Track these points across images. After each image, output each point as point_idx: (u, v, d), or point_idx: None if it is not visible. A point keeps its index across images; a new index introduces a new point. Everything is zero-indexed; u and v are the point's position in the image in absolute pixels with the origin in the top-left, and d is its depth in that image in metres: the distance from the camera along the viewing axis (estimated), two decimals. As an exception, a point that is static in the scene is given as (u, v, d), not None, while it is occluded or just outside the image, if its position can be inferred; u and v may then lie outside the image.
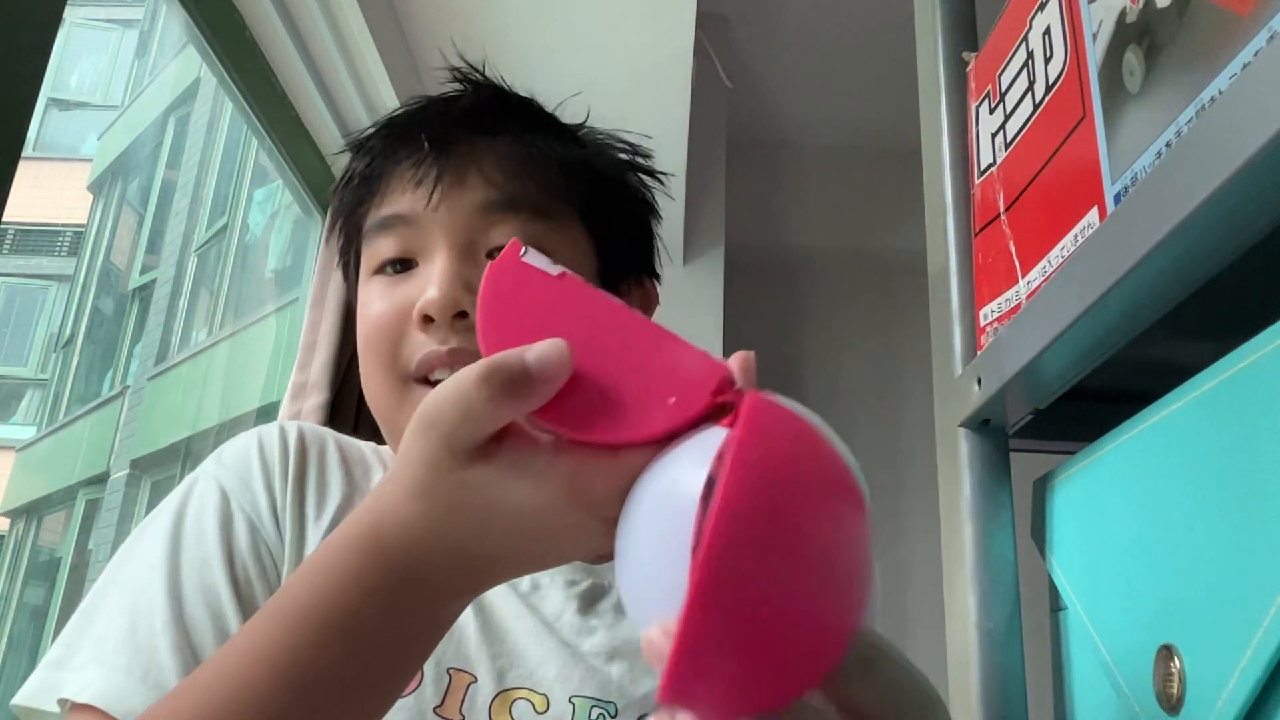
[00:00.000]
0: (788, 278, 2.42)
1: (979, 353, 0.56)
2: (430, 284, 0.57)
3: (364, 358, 0.62)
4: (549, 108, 0.71)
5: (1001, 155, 0.56)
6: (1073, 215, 0.46)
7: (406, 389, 0.59)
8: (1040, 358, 0.47)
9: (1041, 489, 0.53)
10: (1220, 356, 0.37)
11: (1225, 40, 0.35)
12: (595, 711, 0.54)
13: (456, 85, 0.67)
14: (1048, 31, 0.51)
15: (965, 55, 0.64)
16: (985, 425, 0.57)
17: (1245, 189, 0.32)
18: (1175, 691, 0.37)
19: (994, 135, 0.58)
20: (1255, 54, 0.33)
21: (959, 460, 0.57)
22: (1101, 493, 0.47)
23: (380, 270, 0.61)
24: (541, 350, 0.34)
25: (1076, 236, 0.46)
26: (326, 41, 1.33)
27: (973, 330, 0.60)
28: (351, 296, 0.68)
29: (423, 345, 0.58)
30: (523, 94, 0.69)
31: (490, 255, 0.59)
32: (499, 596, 0.58)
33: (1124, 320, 0.43)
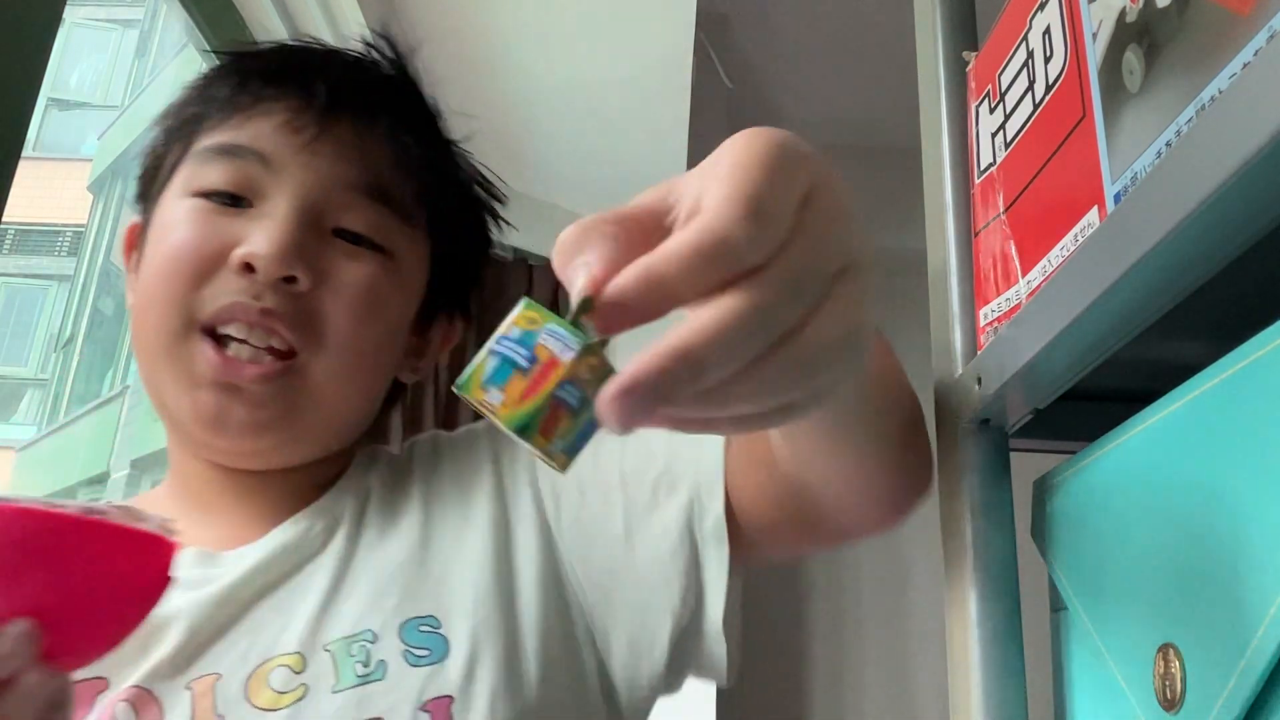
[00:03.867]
0: (788, 277, 2.42)
1: (979, 352, 0.56)
2: (263, 233, 0.51)
3: (149, 284, 0.54)
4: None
5: (1001, 155, 0.56)
6: (1073, 215, 0.46)
7: (187, 337, 0.52)
8: (1040, 357, 0.47)
9: (1041, 489, 0.53)
10: (1220, 356, 0.37)
11: (1225, 40, 0.35)
12: (355, 646, 0.51)
13: (368, 50, 0.63)
14: (1048, 31, 0.51)
15: (965, 55, 0.64)
16: (985, 425, 0.57)
17: (1245, 188, 0.32)
18: (1175, 691, 0.37)
19: (994, 135, 0.58)
20: (1255, 53, 0.33)
21: (959, 460, 0.57)
22: (1101, 492, 0.47)
23: (203, 195, 0.54)
24: None
25: (1076, 236, 0.46)
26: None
27: (972, 330, 0.60)
28: (142, 215, 0.60)
29: (232, 293, 0.51)
30: (428, 94, 0.65)
31: (337, 233, 0.55)
32: (213, 598, 0.53)
33: (1124, 320, 0.43)
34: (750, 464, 0.54)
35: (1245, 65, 0.34)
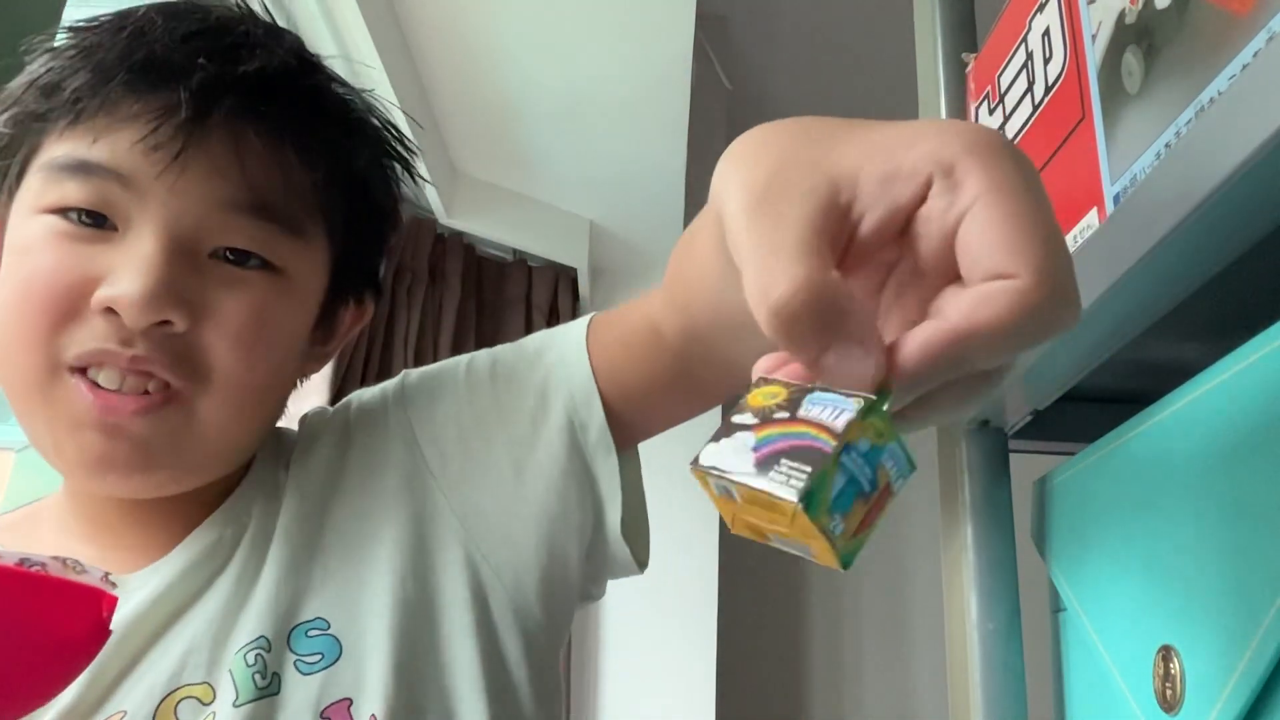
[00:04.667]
0: (787, 278, 2.42)
1: (978, 353, 0.56)
2: (130, 275, 0.46)
3: (6, 320, 0.49)
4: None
5: (1001, 156, 0.56)
6: (1072, 216, 0.46)
7: (57, 378, 0.48)
8: (1040, 359, 0.47)
9: (1041, 490, 0.53)
10: (1219, 357, 0.37)
11: (1224, 41, 0.35)
12: (251, 655, 0.48)
13: (236, 13, 0.53)
14: (1047, 33, 0.51)
15: (965, 56, 0.64)
16: (985, 426, 0.57)
17: (1244, 190, 0.32)
18: (1174, 692, 0.37)
19: (993, 136, 0.58)
20: (1254, 55, 0.33)
21: (959, 461, 0.57)
22: (1101, 494, 0.47)
23: (59, 211, 0.48)
24: None
25: (1076, 237, 0.46)
26: (326, 42, 1.34)
27: (972, 331, 0.60)
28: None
29: (97, 338, 0.46)
30: (317, 60, 0.55)
31: (215, 256, 0.49)
32: (119, 618, 0.48)
33: (1123, 321, 0.43)
34: (625, 348, 0.53)
35: (1244, 67, 0.34)
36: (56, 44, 0.52)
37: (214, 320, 0.48)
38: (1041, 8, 0.52)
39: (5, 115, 0.52)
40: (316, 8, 1.29)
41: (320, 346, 0.59)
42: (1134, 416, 0.44)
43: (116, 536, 0.55)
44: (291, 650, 0.49)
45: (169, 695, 0.49)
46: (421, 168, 0.62)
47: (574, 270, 2.01)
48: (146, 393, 0.48)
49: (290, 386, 0.58)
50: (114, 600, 0.37)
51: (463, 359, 0.58)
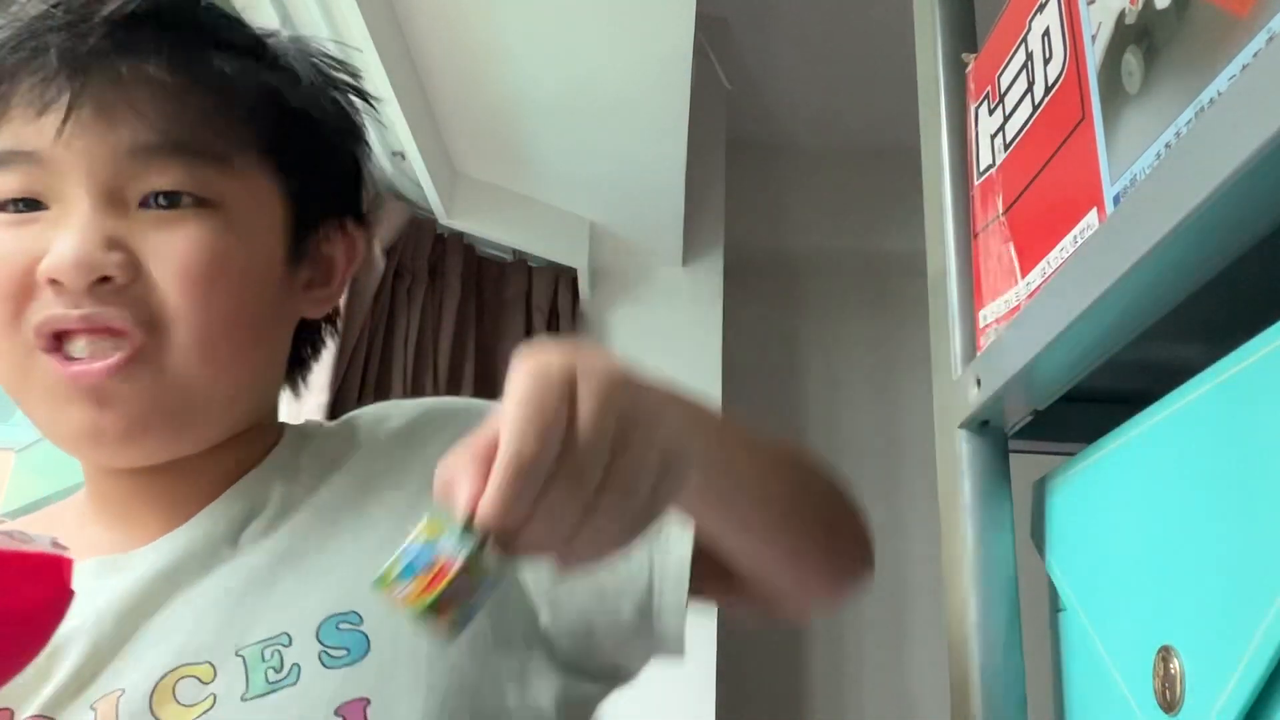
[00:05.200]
0: (788, 278, 2.42)
1: (978, 354, 0.56)
2: (61, 242, 0.47)
3: None
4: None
5: (1001, 156, 0.56)
6: (1072, 216, 0.46)
7: (31, 359, 0.48)
8: (1039, 359, 0.47)
9: (1041, 490, 0.53)
10: (1220, 358, 0.37)
11: (1224, 41, 0.35)
12: (268, 651, 0.48)
13: None
14: (1047, 33, 0.51)
15: (964, 56, 0.64)
16: (984, 426, 0.57)
17: (1244, 190, 0.32)
18: (1174, 693, 0.37)
19: (993, 136, 0.58)
20: (1254, 55, 0.33)
21: (958, 461, 0.57)
22: (1101, 494, 0.47)
23: None
24: None
25: (1076, 238, 0.46)
26: (326, 44, 1.34)
27: (972, 331, 0.60)
28: None
29: (52, 319, 0.47)
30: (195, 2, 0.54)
31: (145, 204, 0.49)
32: (116, 598, 0.50)
33: (1123, 322, 0.43)
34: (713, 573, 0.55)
35: (1244, 67, 0.34)
36: None
37: (156, 265, 0.48)
38: (1041, 8, 0.52)
39: None
40: (316, 7, 1.29)
41: (319, 288, 0.58)
42: (1134, 417, 0.44)
43: (129, 515, 0.55)
44: (319, 640, 0.49)
45: (169, 674, 0.48)
46: (371, 88, 0.61)
47: (574, 270, 2.01)
48: (108, 354, 0.48)
49: (278, 327, 0.56)
50: (70, 562, 0.37)
51: None
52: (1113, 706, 0.43)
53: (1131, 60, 0.42)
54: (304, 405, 1.48)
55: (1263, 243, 0.35)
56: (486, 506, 0.35)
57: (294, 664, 0.48)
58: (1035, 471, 0.54)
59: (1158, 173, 0.37)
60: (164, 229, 0.49)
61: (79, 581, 0.44)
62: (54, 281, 0.47)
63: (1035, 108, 0.52)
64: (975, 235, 0.60)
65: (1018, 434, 0.57)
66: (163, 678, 0.48)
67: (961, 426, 0.57)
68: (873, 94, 2.12)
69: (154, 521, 0.54)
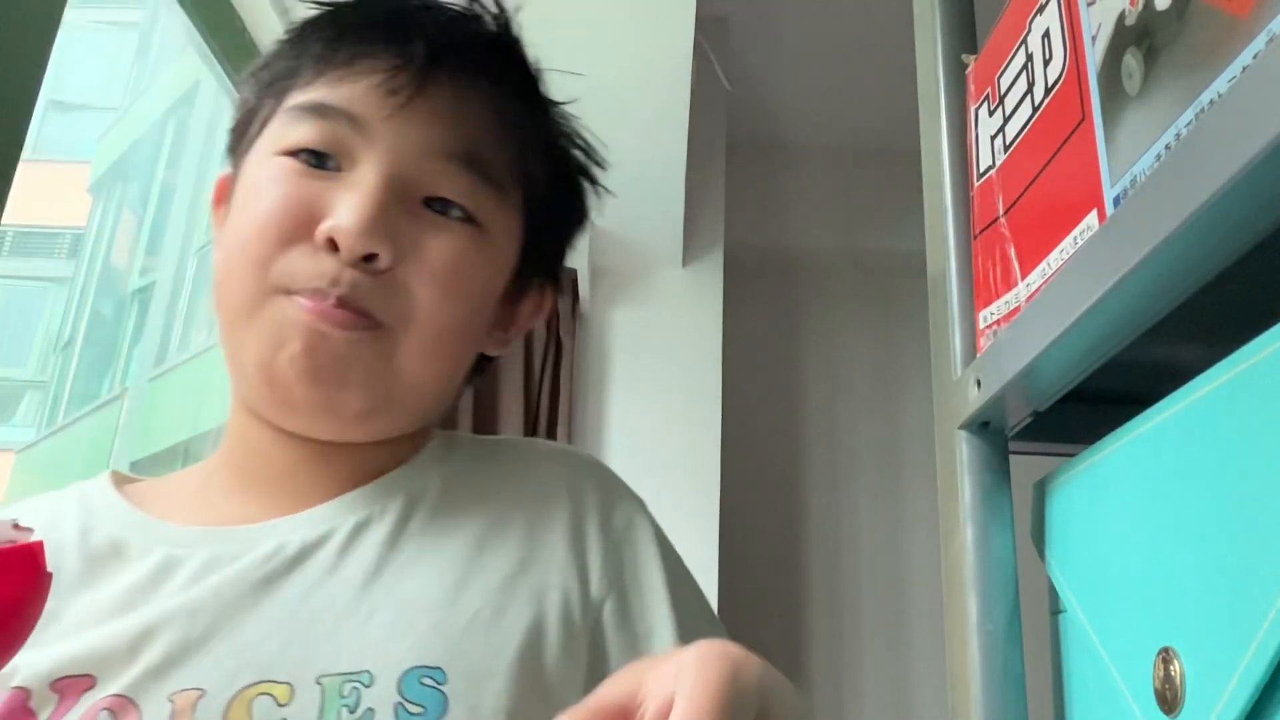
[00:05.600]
0: (788, 278, 2.42)
1: (978, 355, 0.56)
2: (348, 207, 0.49)
3: (234, 247, 0.52)
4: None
5: (1001, 158, 0.56)
6: (1072, 218, 0.46)
7: (265, 299, 0.50)
8: (1040, 360, 0.47)
9: (1041, 491, 0.53)
10: (1220, 359, 0.37)
11: (1224, 43, 0.35)
12: (347, 687, 0.48)
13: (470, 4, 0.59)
14: (1047, 34, 0.51)
15: (964, 57, 0.64)
16: (984, 427, 0.57)
17: (1245, 191, 0.32)
18: (1175, 694, 0.37)
19: (993, 137, 0.58)
20: (1254, 56, 0.33)
21: (958, 462, 0.57)
22: (1101, 495, 0.47)
23: (291, 154, 0.52)
24: None
25: (1076, 239, 0.46)
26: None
27: (972, 332, 0.60)
28: (232, 169, 0.59)
29: (313, 276, 0.50)
30: (530, 53, 0.60)
31: (426, 204, 0.52)
32: (224, 580, 0.51)
33: (1123, 323, 0.43)
34: None
35: (1244, 68, 0.34)
36: (309, 16, 0.57)
37: (417, 261, 0.51)
38: (1041, 9, 0.52)
39: (254, 79, 0.57)
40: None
41: (502, 331, 0.61)
42: (1134, 418, 0.44)
43: (258, 489, 0.56)
44: (399, 692, 0.48)
45: (250, 687, 0.47)
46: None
47: (574, 270, 2.01)
48: (356, 315, 0.50)
49: (473, 352, 0.59)
50: (39, 545, 0.37)
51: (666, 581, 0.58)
52: (1113, 707, 0.43)
53: (1131, 61, 0.42)
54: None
55: (1263, 243, 0.35)
56: None
57: (369, 708, 0.47)
58: (1035, 472, 0.54)
59: (1158, 174, 0.37)
60: (433, 231, 0.52)
61: (186, 548, 0.46)
62: (330, 242, 0.49)
63: (1035, 109, 0.52)
64: (975, 236, 0.60)
65: (1018, 435, 0.57)
66: (243, 689, 0.47)
67: (962, 427, 0.57)
68: (873, 94, 2.12)
69: (281, 499, 0.55)
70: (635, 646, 0.54)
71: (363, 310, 0.50)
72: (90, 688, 0.47)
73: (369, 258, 0.50)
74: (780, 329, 2.39)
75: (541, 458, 0.61)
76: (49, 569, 0.37)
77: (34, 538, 0.37)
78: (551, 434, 1.96)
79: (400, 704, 0.47)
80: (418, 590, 0.51)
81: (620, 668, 0.52)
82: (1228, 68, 0.35)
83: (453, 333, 0.54)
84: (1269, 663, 0.32)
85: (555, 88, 0.64)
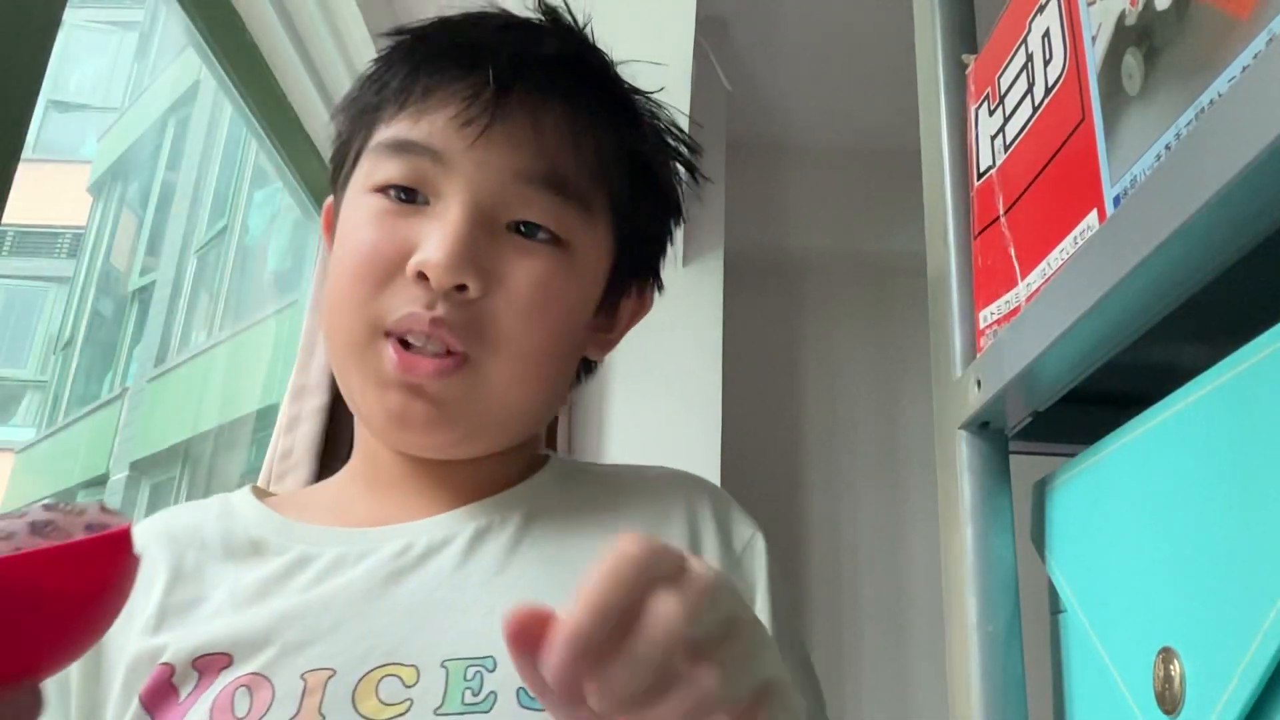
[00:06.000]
0: (788, 279, 2.42)
1: (978, 355, 0.56)
2: (435, 241, 0.52)
3: (338, 286, 0.55)
4: None
5: (1001, 157, 0.56)
6: (1072, 218, 0.46)
7: (374, 340, 0.53)
8: (1040, 360, 0.47)
9: (1041, 491, 0.53)
10: (1220, 359, 0.37)
11: (1224, 43, 0.35)
12: (470, 670, 0.49)
13: (539, 15, 0.60)
14: (1047, 34, 0.51)
15: (964, 57, 0.64)
16: (985, 428, 0.57)
17: (1245, 192, 0.32)
18: (1175, 694, 0.37)
19: (993, 137, 0.58)
20: (1255, 57, 0.33)
21: (958, 463, 0.57)
22: (1101, 495, 0.47)
23: (381, 190, 0.55)
24: None
25: (1076, 239, 0.46)
26: (326, 43, 1.34)
27: (972, 332, 0.60)
28: (334, 198, 0.62)
29: (408, 302, 0.52)
30: (605, 52, 0.61)
31: (511, 228, 0.54)
32: (354, 574, 0.53)
33: (1124, 323, 0.43)
34: None
35: (1244, 69, 0.34)
36: (383, 49, 0.60)
37: (504, 288, 0.53)
38: (1041, 9, 0.52)
39: (343, 113, 0.60)
40: (315, 6, 1.29)
41: (604, 334, 0.63)
42: (1134, 419, 0.44)
43: (391, 494, 0.59)
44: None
45: (378, 668, 0.49)
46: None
47: (574, 271, 2.01)
48: (443, 355, 0.53)
49: (573, 362, 0.61)
50: (127, 530, 0.36)
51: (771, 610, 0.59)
52: (1113, 708, 0.43)
53: (1132, 61, 0.42)
54: (304, 406, 1.48)
55: (1263, 244, 0.35)
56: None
57: (492, 691, 0.48)
58: (1035, 472, 0.54)
59: (1158, 174, 0.37)
60: (519, 256, 0.54)
61: (319, 546, 0.48)
62: (421, 275, 0.52)
63: (1035, 109, 0.52)
64: (975, 236, 0.60)
65: (1018, 435, 0.57)
66: (371, 670, 0.49)
67: (962, 427, 0.57)
68: (873, 94, 2.11)
69: (406, 507, 0.57)
70: None
71: (452, 347, 0.53)
72: (227, 666, 0.50)
73: (459, 288, 0.52)
74: (780, 329, 2.39)
75: (658, 478, 0.63)
76: (137, 552, 0.37)
77: (120, 522, 0.36)
78: (551, 433, 1.95)
79: (522, 689, 0.49)
80: (539, 587, 0.53)
81: None
82: (1228, 68, 0.35)
83: (543, 355, 0.56)
84: (1269, 663, 0.32)
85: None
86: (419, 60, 0.56)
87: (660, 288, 0.67)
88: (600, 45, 0.61)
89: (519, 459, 0.62)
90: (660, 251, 0.66)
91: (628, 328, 0.66)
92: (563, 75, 0.56)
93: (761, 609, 0.57)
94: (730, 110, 2.15)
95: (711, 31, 1.90)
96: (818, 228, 2.38)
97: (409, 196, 0.54)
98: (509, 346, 0.54)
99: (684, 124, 1.77)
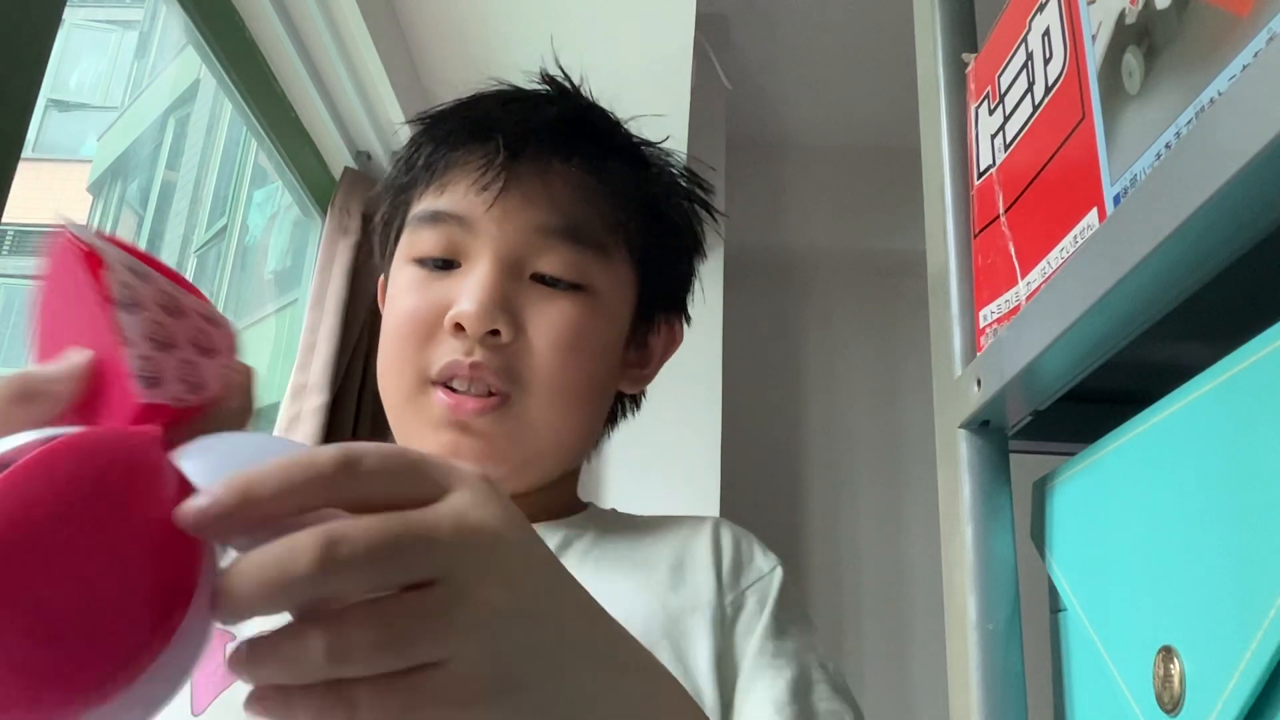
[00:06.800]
0: (788, 278, 2.42)
1: (978, 354, 0.56)
2: (468, 295, 0.57)
3: (386, 348, 0.62)
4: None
5: (1001, 156, 0.56)
6: (1072, 216, 0.46)
7: (423, 390, 0.59)
8: (1040, 359, 0.47)
9: (1041, 490, 0.53)
10: (1220, 358, 0.37)
11: (1224, 42, 0.35)
12: None
13: (544, 86, 0.66)
14: (1047, 33, 0.51)
15: (965, 56, 0.64)
16: (985, 426, 0.57)
17: (1245, 191, 0.32)
18: (1175, 693, 0.37)
19: (993, 136, 0.58)
20: (1254, 55, 0.33)
21: (959, 461, 0.57)
22: (1101, 494, 0.47)
23: (419, 261, 0.61)
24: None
25: (1076, 238, 0.46)
26: (326, 42, 1.33)
27: (972, 331, 0.60)
28: (380, 272, 0.69)
29: (450, 352, 0.58)
30: (608, 111, 0.67)
31: (534, 278, 0.59)
32: None
33: (1123, 322, 0.43)
34: None
35: (1244, 67, 0.34)
36: (414, 132, 0.67)
37: (533, 332, 0.59)
38: (1041, 8, 0.52)
39: (384, 194, 0.67)
40: (315, 6, 1.29)
41: (638, 369, 0.68)
42: (1134, 417, 0.44)
43: None
44: None
45: None
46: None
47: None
48: (485, 395, 0.58)
49: (608, 396, 0.66)
50: (69, 443, 0.26)
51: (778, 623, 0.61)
52: (1113, 707, 0.43)
53: (1132, 60, 0.42)
54: (304, 405, 1.48)
55: (1263, 243, 0.35)
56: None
57: None
58: (1035, 471, 0.54)
59: (1158, 173, 0.37)
60: (545, 302, 0.59)
61: None
62: (458, 326, 0.57)
63: (1035, 108, 0.52)
64: (975, 235, 0.60)
65: (1018, 434, 0.57)
66: None
67: (962, 426, 0.57)
68: (872, 93, 2.11)
69: None
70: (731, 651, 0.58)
71: (492, 386, 0.58)
72: None
73: (493, 333, 0.57)
74: (781, 327, 2.39)
75: (689, 518, 0.67)
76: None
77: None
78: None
79: None
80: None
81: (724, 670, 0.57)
82: (1228, 66, 0.35)
83: (576, 390, 0.60)
84: (1269, 661, 0.32)
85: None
86: (439, 139, 0.63)
87: (688, 320, 0.72)
88: (602, 103, 0.67)
89: (559, 497, 0.66)
90: (684, 288, 0.71)
91: (661, 362, 0.70)
92: (567, 135, 0.62)
93: (763, 628, 0.59)
94: (730, 109, 2.15)
95: (711, 30, 1.90)
96: (817, 226, 2.37)
97: (445, 264, 0.60)
98: (543, 384, 0.59)
99: (683, 123, 1.77)
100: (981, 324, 0.58)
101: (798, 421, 2.33)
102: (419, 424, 0.60)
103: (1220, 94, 0.35)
